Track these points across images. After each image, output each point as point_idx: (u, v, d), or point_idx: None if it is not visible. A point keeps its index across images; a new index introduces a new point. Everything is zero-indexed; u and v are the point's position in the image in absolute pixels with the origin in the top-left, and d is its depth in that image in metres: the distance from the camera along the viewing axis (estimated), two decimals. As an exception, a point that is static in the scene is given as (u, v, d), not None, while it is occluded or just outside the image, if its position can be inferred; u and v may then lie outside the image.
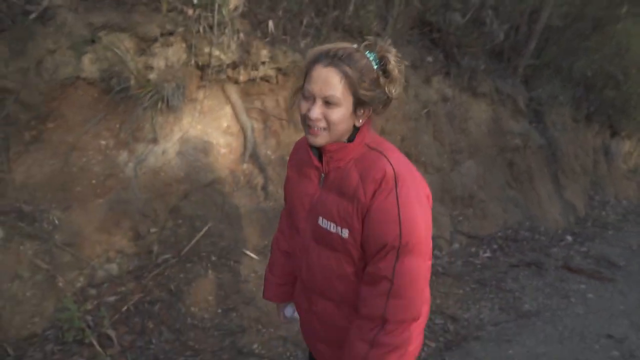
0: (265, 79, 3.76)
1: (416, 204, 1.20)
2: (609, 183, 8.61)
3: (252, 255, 3.30)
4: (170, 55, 3.14)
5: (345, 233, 1.24)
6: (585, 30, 6.87)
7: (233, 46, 3.26)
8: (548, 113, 6.86)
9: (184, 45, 3.16)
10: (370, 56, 1.20)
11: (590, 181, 8.01)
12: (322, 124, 1.21)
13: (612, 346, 3.10)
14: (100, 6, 2.82)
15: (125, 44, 2.93)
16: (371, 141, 1.28)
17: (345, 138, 1.26)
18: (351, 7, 4.07)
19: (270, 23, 3.50)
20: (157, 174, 3.26)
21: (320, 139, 1.23)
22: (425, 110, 5.07)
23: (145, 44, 3.00)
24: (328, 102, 1.18)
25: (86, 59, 2.82)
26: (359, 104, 1.21)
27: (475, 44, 5.28)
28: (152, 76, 3.07)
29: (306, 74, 1.23)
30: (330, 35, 4.02)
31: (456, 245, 4.76)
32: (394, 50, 1.24)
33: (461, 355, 2.87)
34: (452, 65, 5.25)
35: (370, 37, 1.25)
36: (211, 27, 3.10)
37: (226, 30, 3.15)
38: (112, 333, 2.57)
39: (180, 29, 3.07)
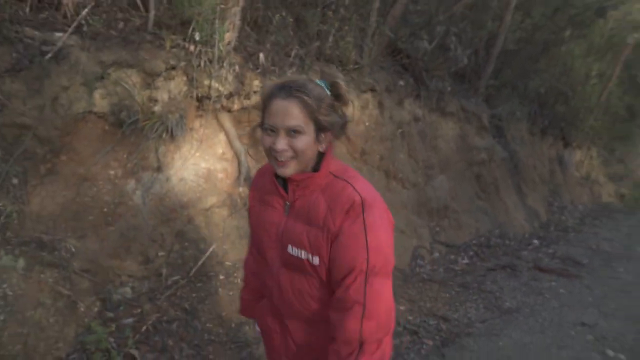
0: (255, 107, 4.02)
1: (381, 229, 1.24)
2: (565, 190, 9.26)
3: (257, 272, 3.48)
4: (172, 88, 3.35)
5: (315, 260, 1.26)
6: (535, 53, 7.52)
7: (230, 78, 3.51)
8: (507, 128, 7.41)
9: (185, 78, 3.38)
10: (322, 84, 1.27)
11: (548, 189, 8.61)
12: (290, 154, 1.24)
13: (587, 332, 3.47)
14: (109, 45, 3.02)
15: (133, 78, 3.13)
16: (335, 169, 1.31)
17: (310, 166, 1.30)
18: (331, 39, 4.41)
19: (261, 55, 3.78)
20: (163, 200, 3.43)
21: (290, 170, 1.26)
22: (400, 131, 5.45)
23: (150, 79, 3.20)
24: (292, 132, 1.22)
25: (97, 94, 3.00)
26: (320, 129, 1.25)
27: (442, 68, 5.74)
28: (157, 108, 3.27)
29: (264, 109, 1.27)
30: (313, 65, 4.34)
31: (436, 254, 5.09)
32: (341, 76, 1.38)
33: (457, 350, 3.14)
34: (422, 88, 5.67)
35: (319, 68, 1.42)
36: (210, 61, 3.34)
37: (224, 64, 3.40)
38: (135, 352, 2.70)
39: (182, 64, 3.29)
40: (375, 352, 1.24)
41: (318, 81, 1.27)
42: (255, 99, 3.93)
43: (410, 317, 3.58)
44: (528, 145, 8.08)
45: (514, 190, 7.20)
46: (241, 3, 3.53)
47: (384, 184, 5.15)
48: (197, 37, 3.21)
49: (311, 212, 1.27)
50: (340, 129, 1.30)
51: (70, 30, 2.84)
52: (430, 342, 3.23)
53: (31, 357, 2.59)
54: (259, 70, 3.83)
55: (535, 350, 3.18)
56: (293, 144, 1.22)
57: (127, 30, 3.16)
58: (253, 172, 4.09)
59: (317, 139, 1.25)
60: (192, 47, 3.25)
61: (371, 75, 4.89)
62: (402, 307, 3.73)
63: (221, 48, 3.37)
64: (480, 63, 6.67)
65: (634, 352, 3.17)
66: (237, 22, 3.54)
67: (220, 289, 3.24)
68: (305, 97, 1.21)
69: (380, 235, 1.23)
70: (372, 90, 4.98)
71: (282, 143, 1.22)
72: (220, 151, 3.91)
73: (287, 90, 1.22)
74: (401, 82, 5.52)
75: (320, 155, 1.30)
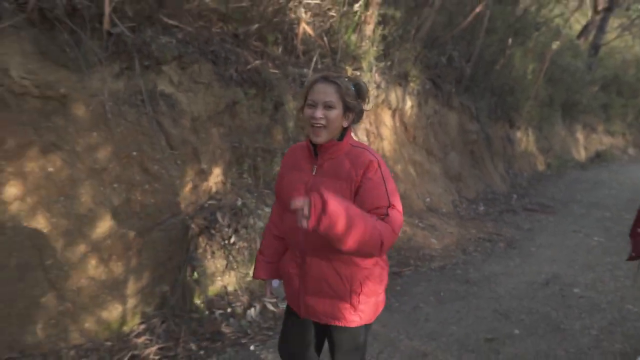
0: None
1: (390, 178, 1.66)
2: (514, 161, 12.11)
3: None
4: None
5: None
6: (494, 59, 10.11)
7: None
8: (482, 116, 9.95)
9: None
10: (349, 83, 1.68)
11: (504, 160, 11.36)
12: (323, 122, 1.62)
13: (578, 233, 5.97)
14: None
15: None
16: (353, 142, 1.74)
17: (336, 138, 1.69)
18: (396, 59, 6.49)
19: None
20: None
21: (322, 138, 1.65)
22: (429, 121, 7.70)
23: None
24: (327, 106, 1.62)
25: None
26: (346, 109, 1.66)
27: (450, 75, 8.05)
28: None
29: (307, 92, 1.68)
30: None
31: (464, 204, 7.43)
32: (364, 81, 1.79)
33: (517, 248, 5.46)
34: (438, 90, 7.95)
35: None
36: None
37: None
38: None
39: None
40: (394, 222, 1.57)
41: (347, 80, 1.69)
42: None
43: (479, 235, 5.85)
44: (492, 127, 10.70)
45: (491, 161, 9.77)
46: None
47: (426, 158, 7.38)
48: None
49: (338, 169, 1.66)
50: (359, 113, 1.72)
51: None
52: (502, 245, 5.52)
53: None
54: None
55: (556, 242, 5.60)
56: (327, 114, 1.62)
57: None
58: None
59: (344, 116, 1.66)
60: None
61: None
62: (466, 231, 5.98)
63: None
64: (464, 69, 9.08)
65: (608, 235, 5.71)
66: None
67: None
68: (339, 84, 1.63)
69: (391, 183, 1.66)
70: (418, 94, 7.18)
71: (319, 113, 1.62)
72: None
73: (327, 78, 1.66)
74: (427, 87, 7.76)
75: (343, 132, 1.71)
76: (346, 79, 1.69)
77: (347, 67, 5.18)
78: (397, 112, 6.86)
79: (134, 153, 3.24)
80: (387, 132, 6.58)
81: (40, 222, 2.86)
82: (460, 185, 7.99)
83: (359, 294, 1.73)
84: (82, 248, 2.96)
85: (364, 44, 5.47)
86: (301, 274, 1.77)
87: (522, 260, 5.00)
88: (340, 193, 1.61)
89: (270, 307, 3.46)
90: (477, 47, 8.92)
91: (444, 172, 7.76)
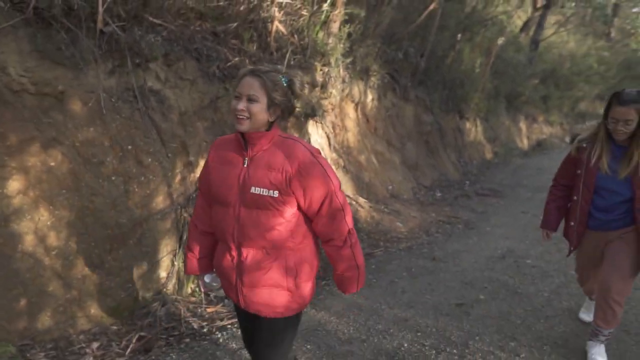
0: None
1: (329, 167, 1.76)
2: (464, 150, 12.85)
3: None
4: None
5: (275, 194, 1.68)
6: (446, 53, 10.72)
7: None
8: (435, 108, 10.54)
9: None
10: (282, 78, 1.70)
11: (456, 149, 12.06)
12: (246, 114, 1.66)
13: (525, 214, 6.60)
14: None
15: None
16: (282, 134, 1.78)
17: (263, 129, 1.72)
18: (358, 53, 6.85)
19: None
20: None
21: (244, 127, 1.67)
22: (388, 113, 8.15)
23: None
24: (250, 99, 1.65)
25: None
26: (271, 103, 1.68)
27: (407, 69, 8.52)
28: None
29: (238, 83, 1.70)
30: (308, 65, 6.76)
31: (422, 191, 7.95)
32: (299, 76, 1.81)
33: (474, 228, 5.98)
34: (396, 84, 8.40)
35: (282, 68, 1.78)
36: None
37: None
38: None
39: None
40: (354, 234, 1.83)
41: (281, 76, 1.70)
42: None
43: (439, 218, 6.34)
44: (444, 119, 11.34)
45: (444, 150, 10.38)
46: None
47: (386, 148, 7.82)
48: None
49: (271, 160, 1.70)
50: (287, 109, 1.74)
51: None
52: (460, 226, 6.04)
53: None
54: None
55: (508, 222, 6.18)
56: (250, 107, 1.65)
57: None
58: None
59: (268, 110, 1.68)
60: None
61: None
62: (427, 215, 6.46)
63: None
64: (417, 63, 9.61)
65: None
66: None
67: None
68: (265, 78, 1.65)
69: (331, 171, 1.75)
70: (378, 87, 7.59)
71: (241, 105, 1.65)
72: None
73: (254, 72, 1.67)
74: (385, 80, 8.19)
75: (271, 125, 1.73)
76: (279, 75, 1.70)
77: (316, 63, 5.48)
78: (359, 105, 7.24)
79: (129, 147, 3.40)
80: (351, 124, 6.95)
81: (44, 215, 2.99)
82: (418, 174, 8.51)
83: (295, 278, 1.80)
84: (84, 238, 3.12)
85: (330, 41, 5.78)
86: (237, 266, 1.80)
87: (480, 238, 5.51)
88: (275, 184, 1.68)
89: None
90: (430, 43, 9.46)
91: (402, 161, 8.24)
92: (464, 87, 12.39)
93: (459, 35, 11.19)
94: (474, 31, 11.68)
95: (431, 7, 8.45)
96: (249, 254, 1.76)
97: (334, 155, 6.25)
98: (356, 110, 7.17)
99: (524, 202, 7.61)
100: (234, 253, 1.79)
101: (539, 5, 16.68)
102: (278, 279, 1.78)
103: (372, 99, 7.58)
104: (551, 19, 18.85)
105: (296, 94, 1.75)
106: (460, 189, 8.68)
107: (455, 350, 2.92)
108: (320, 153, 1.78)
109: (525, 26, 17.51)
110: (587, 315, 3.32)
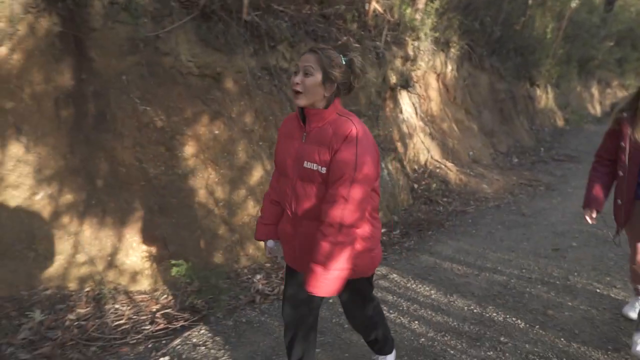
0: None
1: (367, 154, 1.72)
2: (536, 117, 12.85)
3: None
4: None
5: (323, 170, 1.73)
6: (515, 20, 10.75)
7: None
8: (507, 76, 10.65)
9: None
10: (342, 57, 1.75)
11: (527, 117, 12.11)
12: (300, 88, 1.71)
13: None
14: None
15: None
16: (341, 111, 1.79)
17: (321, 106, 1.76)
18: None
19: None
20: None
21: (300, 101, 1.73)
22: (465, 82, 8.46)
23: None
24: (305, 73, 1.71)
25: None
26: (326, 79, 1.72)
27: (481, 39, 8.74)
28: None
29: (299, 61, 1.77)
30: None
31: (500, 157, 8.27)
32: (359, 58, 1.81)
33: (555, 189, 6.30)
34: (472, 53, 8.65)
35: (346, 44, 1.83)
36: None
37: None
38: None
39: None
40: (349, 235, 1.72)
41: (341, 55, 1.75)
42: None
43: (520, 181, 6.71)
44: (515, 86, 11.41)
45: (517, 118, 10.54)
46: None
47: (465, 116, 8.18)
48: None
49: (321, 136, 1.75)
50: (344, 87, 1.78)
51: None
52: (542, 188, 6.39)
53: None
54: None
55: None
56: (304, 80, 1.72)
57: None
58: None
59: (323, 85, 1.73)
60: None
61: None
62: (509, 179, 6.83)
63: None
64: (492, 32, 9.74)
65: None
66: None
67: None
68: (321, 54, 1.72)
69: (367, 158, 1.71)
70: (456, 58, 7.91)
71: (298, 78, 1.73)
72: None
73: (313, 48, 1.76)
74: (462, 51, 8.47)
75: (329, 101, 1.77)
76: (334, 51, 1.74)
77: (407, 38, 5.94)
78: (440, 75, 7.62)
79: (270, 117, 4.08)
80: (433, 94, 7.37)
81: (212, 174, 3.74)
82: (494, 140, 8.81)
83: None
84: (242, 192, 3.85)
85: (417, 16, 6.19)
86: (295, 234, 1.90)
87: (563, 198, 5.86)
88: (323, 159, 1.72)
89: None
90: (504, 11, 9.58)
91: (480, 128, 8.56)
92: (535, 53, 12.32)
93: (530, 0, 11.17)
94: (545, -5, 11.54)
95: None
96: (304, 223, 1.85)
97: (421, 123, 6.73)
98: (437, 80, 7.57)
99: (603, 166, 7.77)
100: (292, 222, 1.90)
101: (614, -38, 15.94)
102: None
103: (451, 70, 7.93)
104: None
105: (356, 74, 1.78)
106: (536, 155, 8.91)
107: (557, 282, 3.43)
108: (368, 138, 1.77)
109: (599, -14, 16.80)
110: (632, 312, 2.97)
